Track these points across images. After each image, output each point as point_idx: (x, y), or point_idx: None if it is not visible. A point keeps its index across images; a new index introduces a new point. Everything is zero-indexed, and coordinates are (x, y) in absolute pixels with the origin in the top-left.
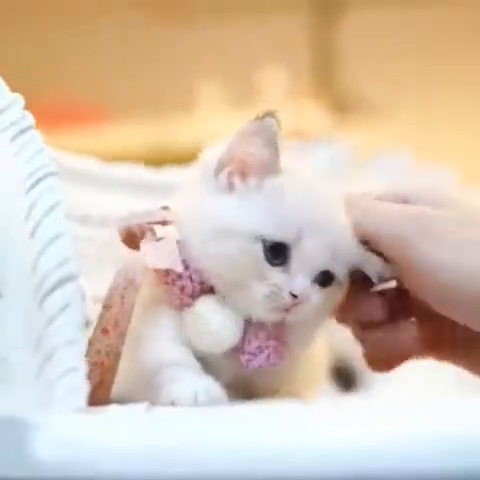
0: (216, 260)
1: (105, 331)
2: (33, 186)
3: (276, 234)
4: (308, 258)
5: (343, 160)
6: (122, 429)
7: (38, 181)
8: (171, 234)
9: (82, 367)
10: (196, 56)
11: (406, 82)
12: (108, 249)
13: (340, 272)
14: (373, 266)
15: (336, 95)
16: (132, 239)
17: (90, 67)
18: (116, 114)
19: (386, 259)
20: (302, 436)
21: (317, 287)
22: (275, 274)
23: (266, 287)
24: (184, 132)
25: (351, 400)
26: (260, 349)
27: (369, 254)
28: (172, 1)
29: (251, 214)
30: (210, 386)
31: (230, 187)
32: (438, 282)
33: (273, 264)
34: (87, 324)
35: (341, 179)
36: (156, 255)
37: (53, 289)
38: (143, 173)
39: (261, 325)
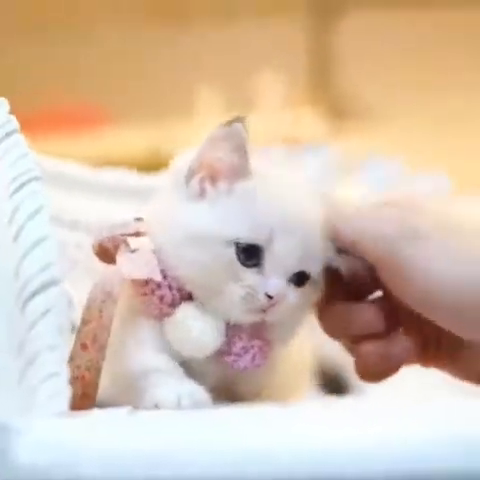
0: (191, 266)
1: (84, 346)
2: (17, 190)
3: (248, 236)
4: (281, 259)
5: (333, 165)
6: (104, 433)
7: (22, 185)
8: (145, 245)
9: (64, 372)
10: (194, 61)
11: (403, 88)
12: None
13: (314, 271)
14: (346, 262)
15: (333, 100)
16: (105, 253)
17: (90, 71)
18: (115, 118)
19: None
20: (285, 438)
21: (293, 287)
22: (250, 276)
23: (241, 289)
24: (182, 136)
25: (337, 402)
26: (245, 349)
27: (347, 257)
28: (171, 6)
29: (222, 219)
30: (194, 390)
31: (201, 193)
32: (422, 286)
33: (247, 265)
34: (73, 330)
35: (331, 184)
36: (133, 266)
37: (35, 293)
38: (133, 178)
39: (243, 326)
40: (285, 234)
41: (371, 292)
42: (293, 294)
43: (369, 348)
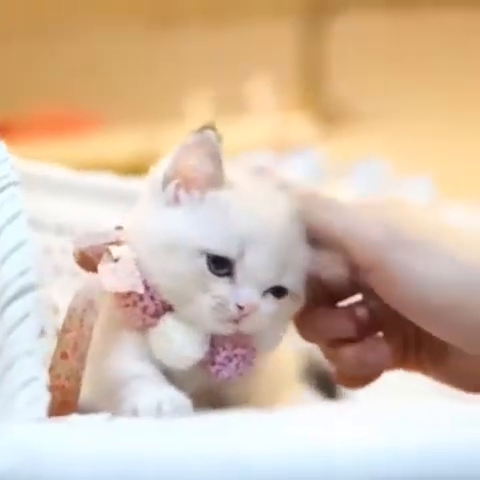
0: (164, 275)
1: (64, 355)
2: None
3: (217, 248)
4: (253, 270)
5: (321, 168)
6: (82, 438)
7: (0, 190)
8: (126, 254)
9: (43, 376)
10: (185, 65)
11: (393, 92)
12: None
13: (293, 284)
14: (331, 269)
15: (324, 104)
16: (87, 261)
17: (82, 76)
18: (106, 121)
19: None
20: (267, 443)
21: (271, 297)
22: (220, 286)
23: (212, 299)
24: (174, 140)
25: (324, 406)
26: (229, 359)
27: (325, 258)
28: (162, 10)
29: (194, 227)
30: (174, 396)
31: (176, 200)
32: (409, 291)
33: (218, 275)
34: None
35: (319, 187)
36: (115, 278)
37: (14, 299)
38: (119, 182)
39: (227, 336)
40: (257, 246)
41: (350, 295)
42: (270, 305)
43: (346, 354)
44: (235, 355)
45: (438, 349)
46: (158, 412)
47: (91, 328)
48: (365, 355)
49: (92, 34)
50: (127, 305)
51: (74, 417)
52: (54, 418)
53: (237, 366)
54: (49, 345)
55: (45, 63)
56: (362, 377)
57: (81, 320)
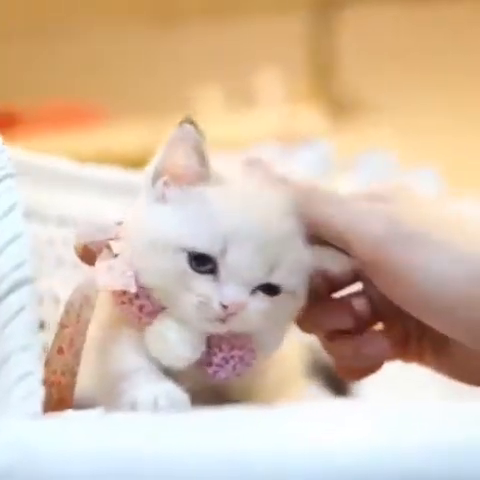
0: (150, 273)
1: (60, 350)
2: None
3: (198, 245)
4: (237, 268)
5: (328, 160)
6: (79, 434)
7: None
8: (123, 250)
9: (38, 371)
10: (194, 57)
11: (403, 84)
12: None
13: (286, 281)
14: (333, 264)
15: (333, 97)
16: (89, 255)
17: (90, 71)
18: (113, 115)
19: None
20: (263, 439)
21: (261, 295)
22: (203, 284)
23: (195, 298)
24: None
25: (327, 403)
26: (225, 360)
27: (327, 253)
28: (169, 4)
29: (177, 224)
30: (171, 390)
31: (163, 197)
32: (411, 286)
33: (201, 272)
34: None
35: (325, 179)
36: (109, 276)
37: (9, 292)
38: (122, 174)
39: (224, 337)
40: (240, 242)
41: (349, 284)
42: (260, 303)
43: (343, 347)
44: (232, 356)
45: (439, 341)
46: (155, 407)
47: (87, 323)
48: (362, 348)
49: (98, 31)
50: (123, 302)
51: (70, 413)
52: (50, 414)
53: (234, 367)
54: (49, 338)
55: (52, 59)
56: (361, 369)
57: (78, 315)
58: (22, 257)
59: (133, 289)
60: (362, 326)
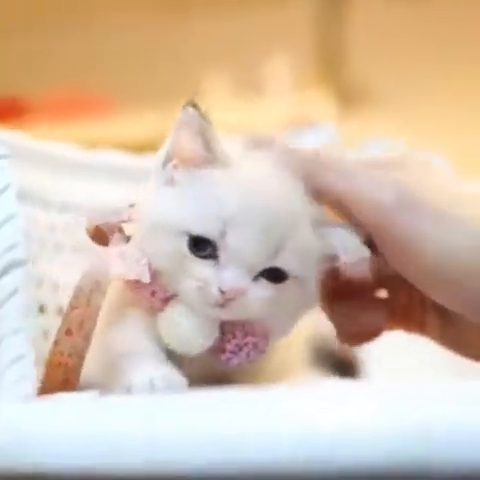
0: (154, 256)
1: (69, 332)
2: None
3: (197, 228)
4: (238, 253)
5: (336, 145)
6: (70, 416)
7: None
8: (135, 234)
9: (30, 354)
10: (203, 46)
11: (412, 71)
12: (84, 238)
13: (291, 265)
14: (344, 251)
15: (342, 84)
16: (101, 236)
17: (97, 60)
18: (123, 104)
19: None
20: (257, 420)
21: (264, 282)
22: (203, 269)
23: (195, 283)
24: None
25: (323, 384)
26: (239, 347)
27: (338, 239)
28: None
29: (180, 207)
30: (168, 373)
31: (172, 180)
32: (415, 255)
33: (201, 257)
34: (60, 312)
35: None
36: (123, 265)
37: (2, 274)
38: (125, 159)
39: (237, 323)
40: (241, 226)
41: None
42: (263, 290)
43: (341, 312)
44: (246, 343)
45: (443, 313)
46: (151, 389)
47: (98, 309)
48: (361, 315)
49: (105, 20)
50: (136, 287)
51: (63, 395)
52: (43, 396)
53: (248, 354)
54: (49, 323)
55: (59, 48)
56: (359, 336)
57: (88, 300)
58: (15, 239)
59: (147, 279)
60: (363, 292)
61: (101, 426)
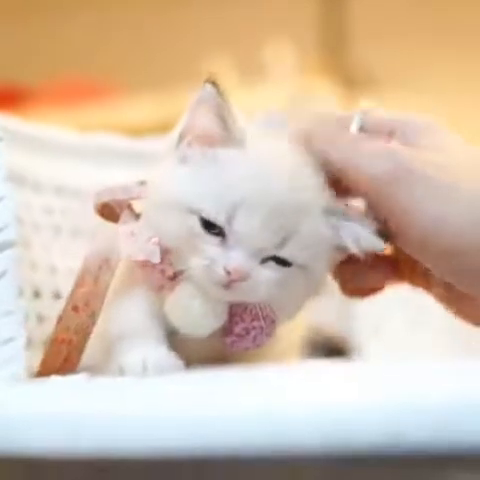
0: (165, 232)
1: (76, 308)
2: None
3: (207, 211)
4: (245, 236)
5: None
6: (55, 398)
7: None
8: (147, 210)
9: (21, 337)
10: (205, 30)
11: (415, 57)
12: (83, 221)
13: (299, 257)
14: (355, 243)
15: (345, 70)
16: (110, 211)
17: (100, 44)
18: (125, 90)
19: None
20: (247, 399)
21: (273, 265)
22: (211, 247)
23: (202, 260)
24: None
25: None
26: (246, 331)
27: (350, 227)
28: None
29: (192, 185)
30: (163, 355)
31: (185, 158)
32: (409, 226)
33: (212, 234)
34: (57, 296)
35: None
36: (133, 244)
37: None
38: (121, 142)
39: (246, 307)
40: (250, 210)
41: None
42: (270, 273)
43: (349, 268)
44: (253, 327)
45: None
46: (143, 371)
47: (106, 287)
48: (365, 272)
49: (108, 4)
50: (146, 266)
51: (53, 378)
52: (32, 379)
53: (254, 338)
54: (45, 307)
55: (62, 32)
56: (362, 290)
57: (96, 277)
58: (5, 220)
59: (157, 259)
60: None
61: (86, 408)
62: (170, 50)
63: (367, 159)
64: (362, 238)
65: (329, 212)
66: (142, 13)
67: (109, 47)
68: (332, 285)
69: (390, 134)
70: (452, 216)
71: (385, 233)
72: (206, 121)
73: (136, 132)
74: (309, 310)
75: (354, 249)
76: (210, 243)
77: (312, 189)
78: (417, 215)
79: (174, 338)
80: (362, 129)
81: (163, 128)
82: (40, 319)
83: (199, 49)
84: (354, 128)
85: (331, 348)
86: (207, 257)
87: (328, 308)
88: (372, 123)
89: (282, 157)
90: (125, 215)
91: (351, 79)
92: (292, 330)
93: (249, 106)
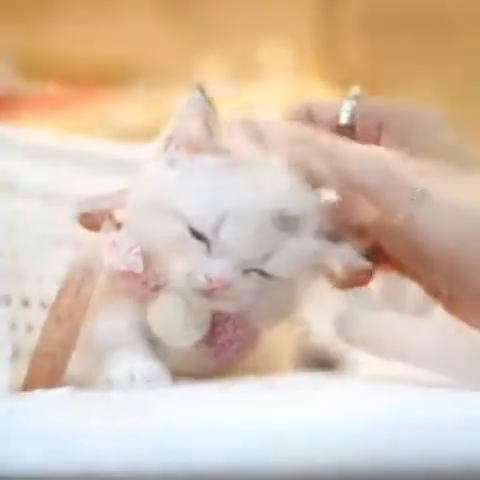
0: (148, 236)
1: (59, 320)
2: None
3: (192, 220)
4: (229, 248)
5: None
6: (36, 412)
7: None
8: (129, 218)
9: (6, 349)
10: (200, 29)
11: (413, 59)
12: (68, 230)
13: (282, 272)
14: (342, 265)
15: (341, 71)
16: (92, 221)
17: (91, 42)
18: (116, 89)
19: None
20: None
21: (256, 276)
22: (195, 253)
23: (185, 266)
24: None
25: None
26: (230, 342)
27: (338, 252)
28: None
29: (179, 191)
30: (150, 367)
31: (173, 161)
32: (400, 237)
33: (197, 239)
34: (43, 306)
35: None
36: (115, 255)
37: None
38: (109, 148)
39: (229, 316)
40: (235, 222)
41: None
42: (252, 284)
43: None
44: (237, 338)
45: None
46: (131, 383)
47: (88, 298)
48: (351, 261)
49: (100, 5)
50: (128, 277)
51: (37, 392)
52: (18, 393)
53: (237, 349)
54: (32, 316)
55: (49, 36)
56: (352, 280)
57: (78, 288)
58: None
59: (140, 269)
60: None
61: (69, 423)
62: (166, 50)
63: (357, 169)
64: (349, 262)
65: (318, 232)
66: (135, 13)
67: (101, 47)
68: (325, 297)
69: (380, 127)
70: (440, 226)
71: (371, 255)
72: (193, 128)
73: (126, 135)
74: (301, 322)
75: (339, 270)
76: (194, 249)
77: (303, 207)
78: (405, 225)
79: (159, 349)
80: (352, 117)
81: (154, 131)
82: (29, 328)
83: (195, 49)
84: (344, 116)
85: (324, 360)
86: (190, 263)
87: (322, 319)
88: (363, 112)
89: (267, 170)
90: (106, 225)
91: (347, 81)
92: (283, 343)
93: (245, 107)
